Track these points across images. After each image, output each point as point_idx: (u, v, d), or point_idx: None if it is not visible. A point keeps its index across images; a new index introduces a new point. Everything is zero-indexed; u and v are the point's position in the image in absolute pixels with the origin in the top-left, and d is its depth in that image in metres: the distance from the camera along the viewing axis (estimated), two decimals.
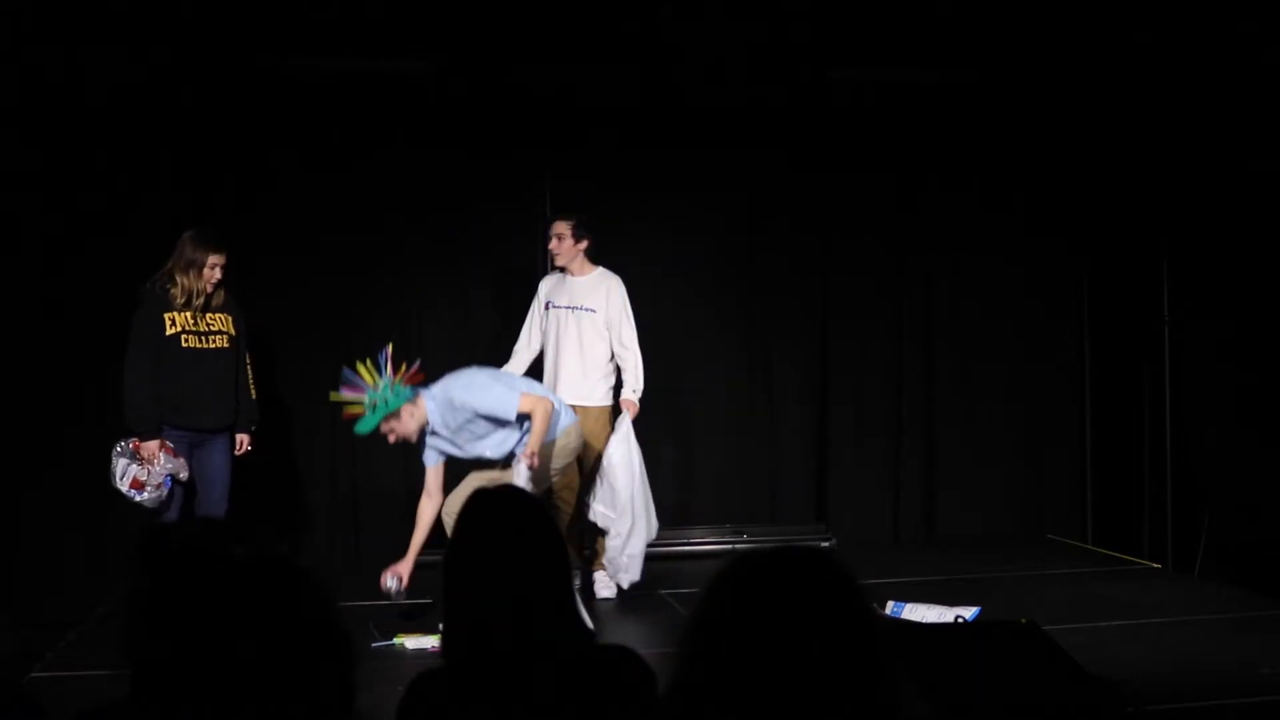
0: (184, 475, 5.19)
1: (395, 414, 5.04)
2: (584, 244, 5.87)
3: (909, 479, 7.41)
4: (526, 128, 6.75)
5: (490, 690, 1.97)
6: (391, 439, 5.13)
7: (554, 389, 5.84)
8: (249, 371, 5.53)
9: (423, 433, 5.16)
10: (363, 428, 5.05)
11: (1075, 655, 3.92)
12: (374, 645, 4.93)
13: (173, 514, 5.21)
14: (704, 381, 7.21)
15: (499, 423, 5.13)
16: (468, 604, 2.02)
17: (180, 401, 5.19)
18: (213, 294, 5.28)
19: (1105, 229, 7.28)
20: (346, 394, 5.03)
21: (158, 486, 5.10)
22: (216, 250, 5.24)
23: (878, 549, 7.12)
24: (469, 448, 5.21)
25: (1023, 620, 4.32)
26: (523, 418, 5.11)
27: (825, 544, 6.90)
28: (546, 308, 5.96)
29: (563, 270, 5.95)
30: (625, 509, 5.49)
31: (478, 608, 2.00)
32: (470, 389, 5.11)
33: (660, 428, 6.87)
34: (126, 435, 5.16)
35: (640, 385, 5.84)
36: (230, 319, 5.36)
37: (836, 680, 1.38)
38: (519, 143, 6.74)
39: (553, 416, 5.20)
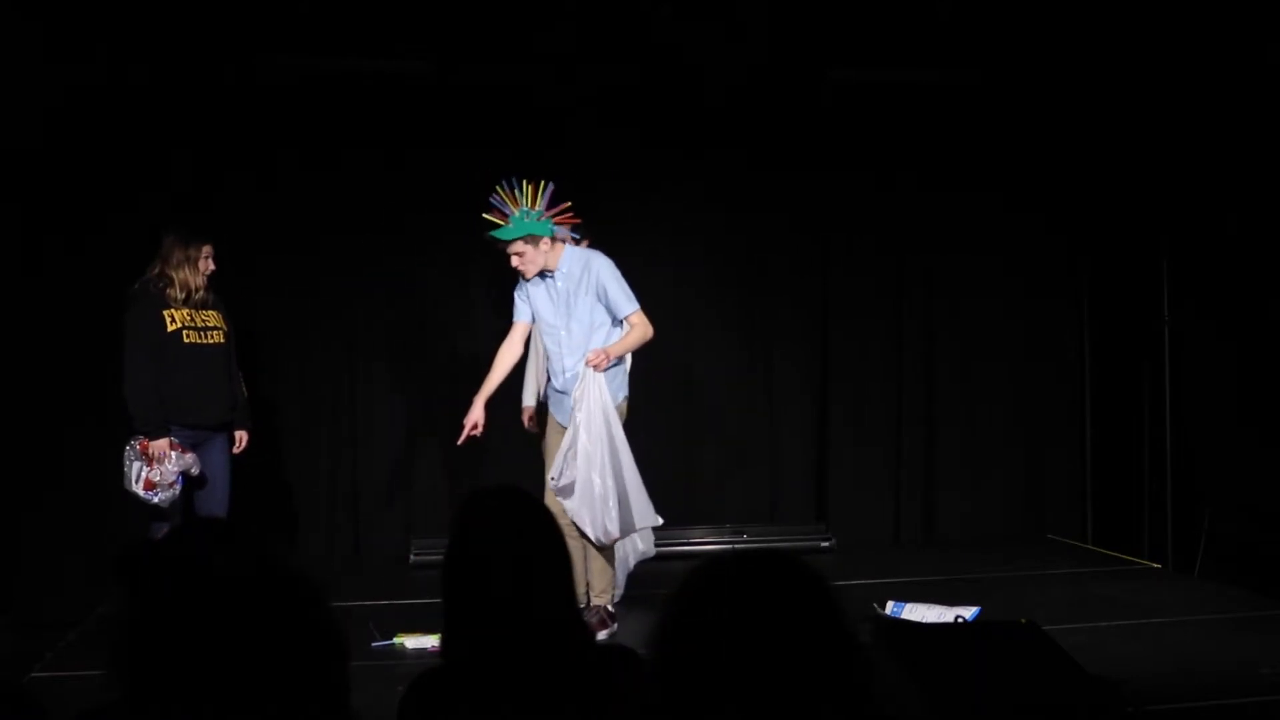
0: (196, 470, 5.18)
1: (535, 239, 5.03)
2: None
3: (909, 479, 7.41)
4: (526, 127, 6.75)
5: (490, 690, 1.97)
6: (514, 262, 5.09)
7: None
8: (239, 372, 5.53)
9: (524, 274, 5.14)
10: (500, 235, 5.02)
11: (1075, 655, 3.92)
12: (374, 645, 4.93)
13: (177, 515, 5.20)
14: (704, 381, 7.22)
15: (601, 317, 5.12)
16: (468, 604, 2.02)
17: (183, 399, 5.18)
18: (204, 290, 5.28)
19: (1105, 229, 7.29)
20: (498, 200, 5.01)
21: (170, 485, 5.08)
22: (206, 241, 5.26)
23: (878, 549, 7.12)
24: (560, 322, 5.15)
25: (1023, 620, 4.31)
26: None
27: (825, 544, 6.91)
28: None
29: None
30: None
31: (478, 607, 2.00)
32: (611, 268, 5.13)
33: (660, 427, 6.87)
34: (133, 436, 5.15)
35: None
36: (221, 315, 5.36)
37: (805, 679, 1.39)
38: (518, 142, 6.74)
39: (623, 373, 5.20)
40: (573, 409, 5.04)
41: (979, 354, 7.46)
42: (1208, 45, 6.03)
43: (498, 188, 5.03)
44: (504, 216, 5.03)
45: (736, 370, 7.31)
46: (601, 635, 4.98)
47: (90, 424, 5.98)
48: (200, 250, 5.22)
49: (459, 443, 5.31)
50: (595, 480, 4.94)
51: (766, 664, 1.38)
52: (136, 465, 5.07)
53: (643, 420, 5.90)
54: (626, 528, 5.06)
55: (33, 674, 4.64)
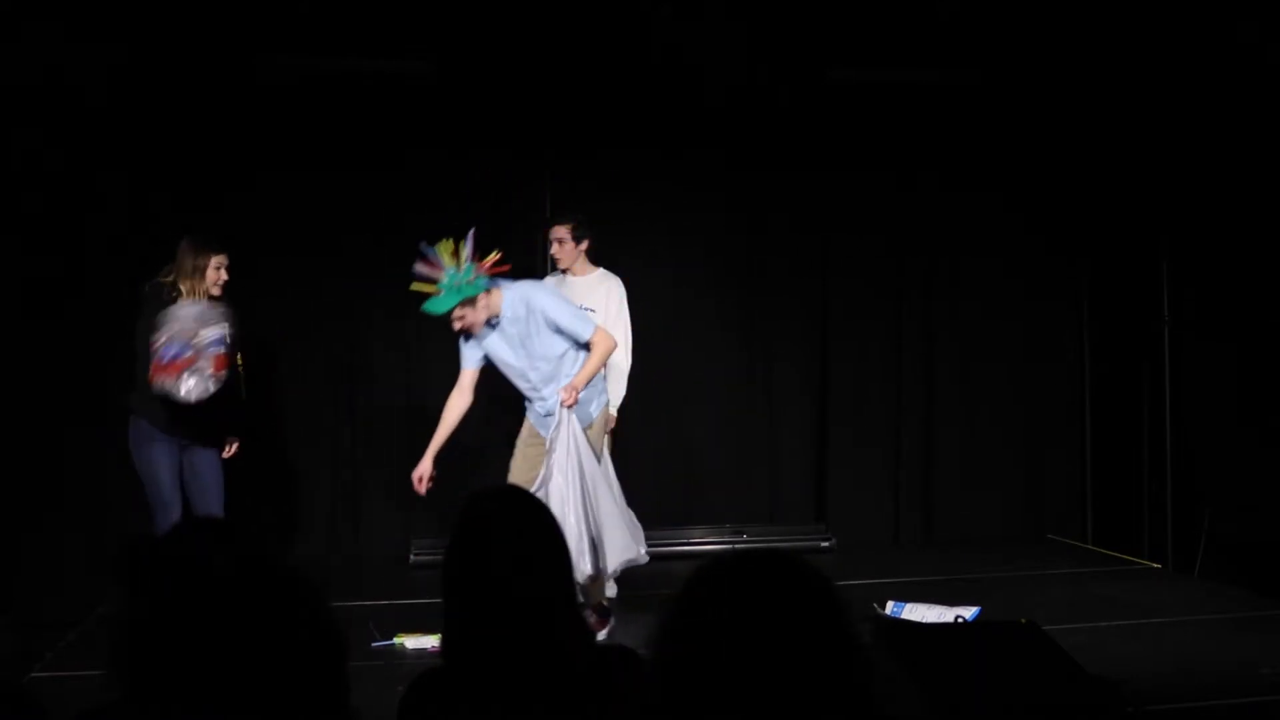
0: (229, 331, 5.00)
1: (472, 301, 4.87)
2: (584, 245, 5.86)
3: (909, 479, 7.41)
4: (526, 128, 6.75)
5: (490, 690, 1.97)
6: (457, 326, 4.96)
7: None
8: (239, 373, 5.50)
9: (469, 333, 5.02)
10: (434, 307, 4.85)
11: (1075, 655, 3.92)
12: (374, 645, 4.93)
13: (176, 515, 5.18)
14: (704, 382, 7.21)
15: (564, 344, 5.00)
16: (468, 604, 2.02)
17: (173, 408, 5.16)
18: (215, 301, 5.25)
19: (1105, 230, 7.28)
20: (423, 270, 4.84)
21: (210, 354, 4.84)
22: (218, 251, 5.20)
23: (878, 549, 7.12)
24: (524, 364, 5.03)
25: (1023, 620, 4.31)
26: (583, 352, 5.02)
27: (825, 544, 6.90)
28: None
29: (564, 272, 5.94)
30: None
31: (478, 608, 2.00)
32: (551, 298, 5.01)
33: (660, 428, 6.88)
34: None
35: (619, 397, 5.70)
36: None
37: (808, 680, 1.39)
38: (518, 143, 6.74)
39: (600, 384, 5.14)
40: (548, 446, 4.94)
41: (979, 354, 7.46)
42: (1208, 45, 6.03)
43: (422, 257, 4.84)
44: (433, 284, 4.85)
45: (736, 370, 7.30)
46: (600, 635, 4.97)
47: (90, 424, 5.98)
48: (209, 260, 5.17)
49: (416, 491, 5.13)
50: (570, 519, 4.79)
51: (768, 664, 1.38)
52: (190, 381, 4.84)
53: (642, 421, 5.91)
54: (601, 569, 4.93)
55: (33, 674, 4.64)
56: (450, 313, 4.88)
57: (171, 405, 5.06)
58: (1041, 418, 7.53)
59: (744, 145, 7.07)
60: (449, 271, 4.81)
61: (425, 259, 4.83)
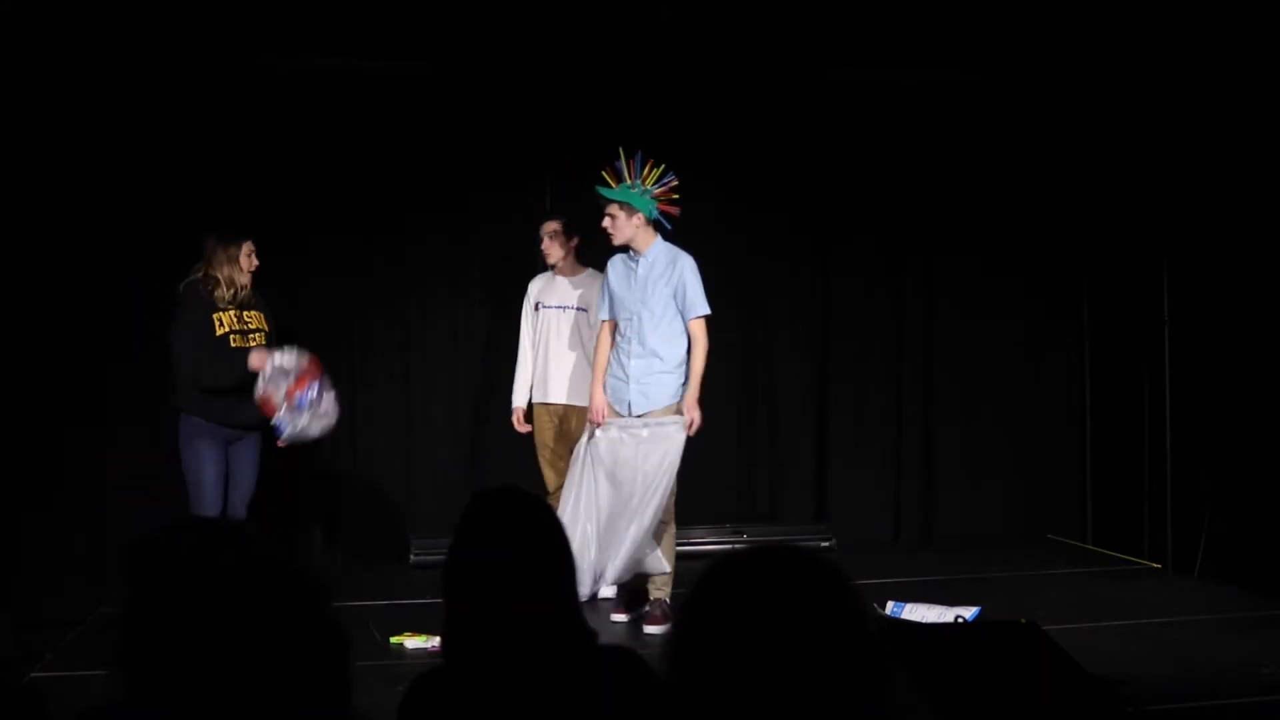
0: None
1: (634, 210, 5.13)
2: (574, 242, 5.89)
3: (909, 479, 7.40)
4: (525, 127, 6.75)
5: (490, 690, 1.97)
6: (606, 222, 5.20)
7: (544, 390, 5.84)
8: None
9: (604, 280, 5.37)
10: (605, 190, 5.15)
11: (1075, 655, 3.92)
12: (375, 644, 4.93)
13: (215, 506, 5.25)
14: (704, 381, 7.19)
15: (673, 312, 5.17)
16: (468, 604, 2.01)
17: (227, 401, 5.23)
18: (249, 288, 5.34)
19: (1105, 229, 7.28)
20: (617, 165, 5.12)
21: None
22: (246, 238, 5.35)
23: (878, 549, 7.12)
24: (635, 308, 5.21)
25: (1023, 620, 4.32)
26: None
27: (825, 544, 6.90)
28: (536, 308, 5.96)
29: (552, 269, 5.96)
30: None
31: (478, 608, 2.00)
32: (695, 268, 5.24)
33: None
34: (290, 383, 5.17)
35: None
36: (263, 316, 5.45)
37: (823, 679, 1.38)
38: (518, 142, 6.74)
39: (691, 374, 5.24)
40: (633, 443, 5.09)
41: (979, 354, 7.46)
42: (1208, 44, 6.03)
43: (627, 156, 5.13)
44: (617, 179, 5.13)
45: (736, 370, 7.29)
46: (662, 629, 4.98)
47: (90, 424, 5.98)
48: (240, 248, 5.32)
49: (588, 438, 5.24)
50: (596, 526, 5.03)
51: (781, 661, 1.37)
52: (329, 394, 5.17)
53: None
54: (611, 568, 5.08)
55: (33, 674, 4.64)
56: (608, 203, 5.15)
57: (225, 398, 5.20)
58: (1041, 417, 7.53)
59: (743, 145, 7.06)
60: (636, 181, 5.15)
61: (632, 160, 5.14)
